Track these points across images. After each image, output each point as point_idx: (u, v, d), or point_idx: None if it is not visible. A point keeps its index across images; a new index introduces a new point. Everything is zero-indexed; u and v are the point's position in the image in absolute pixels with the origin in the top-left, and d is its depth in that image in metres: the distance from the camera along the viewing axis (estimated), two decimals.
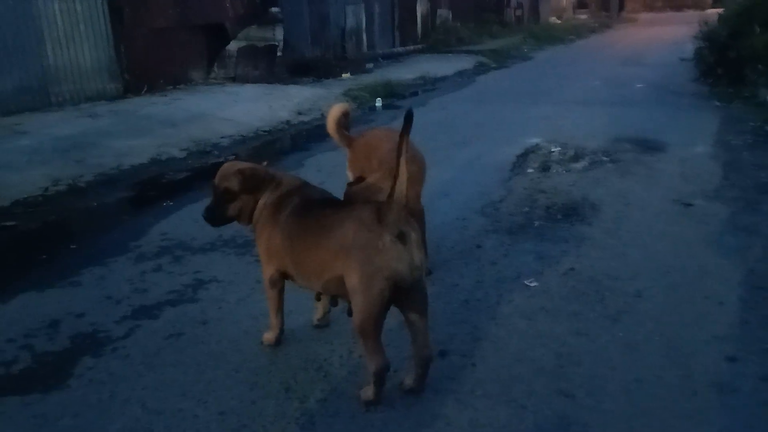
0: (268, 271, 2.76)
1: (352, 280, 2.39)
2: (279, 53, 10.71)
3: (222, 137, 6.69)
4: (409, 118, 2.36)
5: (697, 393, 2.58)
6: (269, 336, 2.92)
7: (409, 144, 2.35)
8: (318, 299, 2.81)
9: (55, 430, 2.37)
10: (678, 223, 4.47)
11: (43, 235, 4.28)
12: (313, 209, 2.60)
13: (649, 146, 6.82)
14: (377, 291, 2.37)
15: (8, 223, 4.32)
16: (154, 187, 5.28)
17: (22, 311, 3.27)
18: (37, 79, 7.42)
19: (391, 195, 2.35)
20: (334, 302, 2.85)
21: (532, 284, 3.59)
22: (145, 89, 8.57)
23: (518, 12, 27.99)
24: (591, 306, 3.32)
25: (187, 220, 4.58)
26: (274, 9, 10.60)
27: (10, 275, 3.71)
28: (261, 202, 2.74)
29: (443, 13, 20.56)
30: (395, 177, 2.33)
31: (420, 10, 18.73)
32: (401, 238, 2.36)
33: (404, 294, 2.44)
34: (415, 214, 3.53)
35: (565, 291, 3.50)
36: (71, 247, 4.12)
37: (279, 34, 10.59)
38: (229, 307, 3.31)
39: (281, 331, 2.92)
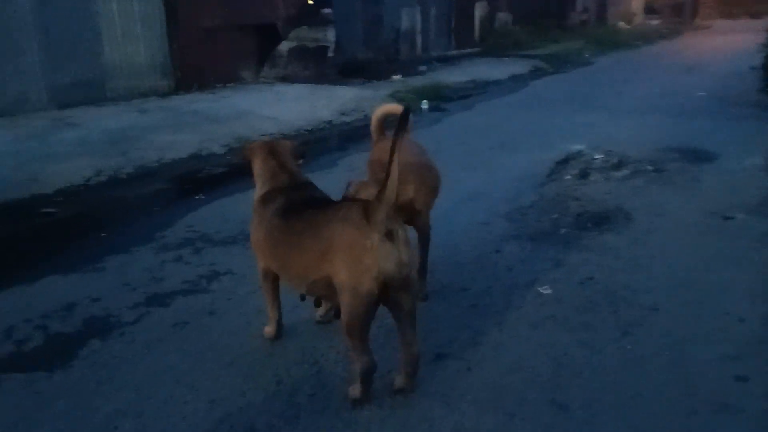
0: (260, 264, 2.80)
1: (341, 280, 2.39)
2: (330, 54, 10.85)
3: (263, 135, 6.82)
4: (405, 117, 2.35)
5: (697, 412, 2.47)
6: (269, 329, 2.96)
7: (402, 144, 2.33)
8: (302, 299, 2.83)
9: (52, 408, 2.48)
10: (711, 237, 4.28)
11: (78, 223, 4.47)
12: (299, 209, 2.61)
13: (699, 157, 6.55)
14: (365, 290, 2.36)
15: (49, 210, 4.54)
16: (190, 181, 5.44)
17: (44, 293, 3.43)
18: (94, 74, 7.77)
19: (380, 193, 2.34)
20: (317, 302, 2.86)
21: (546, 292, 3.52)
22: (195, 86, 8.84)
23: (584, 16, 27.38)
24: (602, 317, 3.23)
25: (215, 214, 4.70)
26: (327, 10, 10.75)
27: (41, 258, 3.90)
28: (256, 193, 2.79)
29: (503, 16, 20.33)
30: (386, 175, 2.32)
31: (478, 13, 18.59)
32: (389, 236, 2.35)
33: (392, 293, 2.43)
34: (422, 228, 3.43)
35: (578, 300, 3.41)
36: (102, 234, 4.29)
37: (330, 35, 10.73)
38: (238, 299, 3.37)
39: (279, 324, 2.96)
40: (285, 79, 10.16)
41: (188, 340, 2.97)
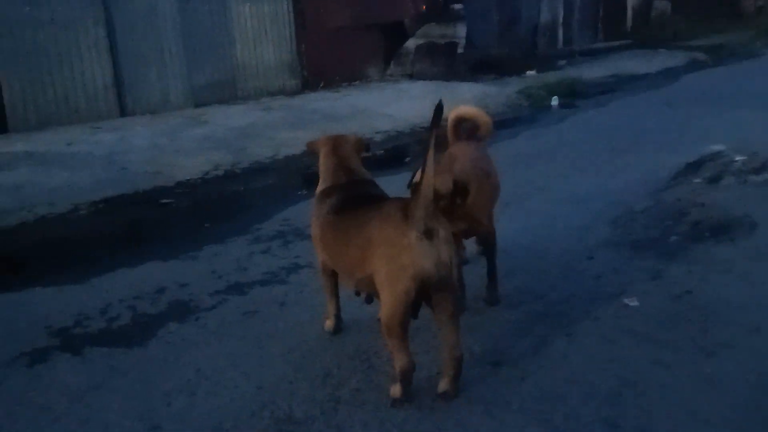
0: (318, 258, 2.86)
1: (379, 278, 2.39)
2: (460, 50, 10.75)
3: (377, 132, 6.94)
4: (438, 112, 2.29)
5: None
6: (329, 323, 3.02)
7: (434, 137, 2.29)
8: (357, 294, 2.84)
9: (121, 380, 2.71)
10: None
11: (188, 213, 4.83)
12: (350, 206, 2.63)
13: None
14: (402, 289, 2.34)
15: (166, 201, 4.96)
16: (299, 177, 5.66)
17: (142, 277, 3.75)
18: (227, 75, 8.35)
19: (418, 191, 2.30)
20: (368, 299, 2.85)
21: (632, 304, 3.25)
22: (321, 85, 9.18)
23: (760, 2, 24.78)
24: (690, 335, 2.93)
25: (310, 209, 4.86)
26: (457, 6, 10.67)
27: (148, 245, 4.27)
28: (318, 188, 2.86)
29: (660, 5, 18.94)
30: (422, 172, 2.29)
31: (631, 2, 17.47)
32: (428, 234, 2.31)
33: (432, 293, 2.38)
34: (483, 236, 3.31)
35: (666, 315, 3.12)
36: (206, 225, 4.60)
37: (461, 30, 10.64)
38: (310, 291, 3.46)
39: (338, 318, 3.00)
40: (412, 77, 10.24)
41: (253, 328, 3.11)
